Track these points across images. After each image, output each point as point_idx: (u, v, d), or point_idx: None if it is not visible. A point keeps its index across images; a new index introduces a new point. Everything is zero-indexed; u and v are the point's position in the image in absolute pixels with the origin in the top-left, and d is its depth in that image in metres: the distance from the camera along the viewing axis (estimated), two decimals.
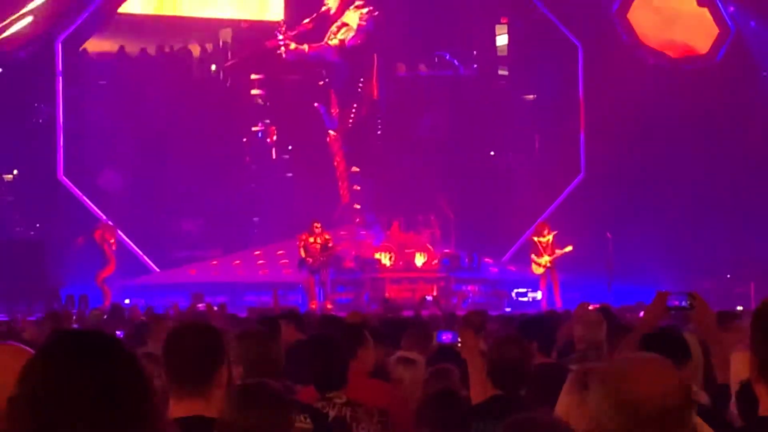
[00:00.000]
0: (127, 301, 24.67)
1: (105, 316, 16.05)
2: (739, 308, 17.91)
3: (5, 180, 28.02)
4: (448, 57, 30.63)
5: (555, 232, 25.06)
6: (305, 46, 29.21)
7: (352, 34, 29.17)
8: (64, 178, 28.40)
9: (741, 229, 27.26)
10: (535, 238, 25.19)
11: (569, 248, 24.79)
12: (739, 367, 4.88)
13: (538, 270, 25.07)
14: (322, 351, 6.11)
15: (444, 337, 7.46)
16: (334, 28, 29.25)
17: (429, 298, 24.25)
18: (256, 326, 7.39)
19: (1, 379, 3.10)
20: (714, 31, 29.28)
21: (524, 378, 6.00)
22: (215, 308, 16.71)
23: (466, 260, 25.91)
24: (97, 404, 2.46)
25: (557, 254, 24.87)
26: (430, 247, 25.81)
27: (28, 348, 3.33)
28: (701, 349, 5.83)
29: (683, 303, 5.42)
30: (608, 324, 8.08)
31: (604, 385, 2.91)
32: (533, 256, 25.12)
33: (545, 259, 24.90)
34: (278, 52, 29.23)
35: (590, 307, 9.83)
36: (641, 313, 14.27)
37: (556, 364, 7.18)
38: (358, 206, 28.62)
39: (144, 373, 2.55)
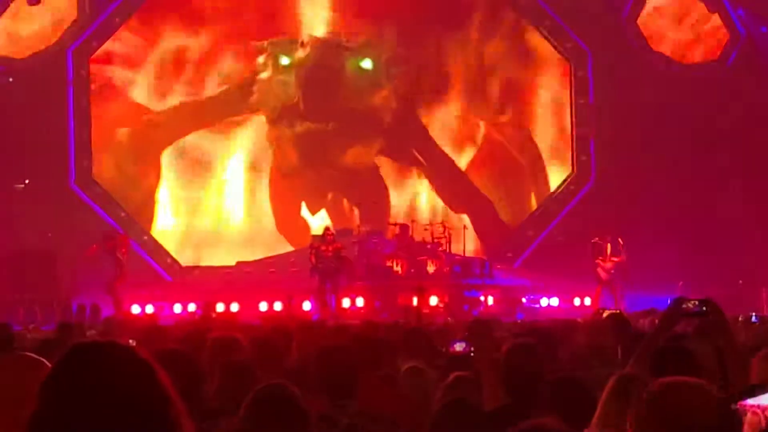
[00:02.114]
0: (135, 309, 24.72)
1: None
2: (752, 314, 17.86)
3: (16, 189, 28.05)
4: None
5: (609, 238, 24.95)
6: None
7: None
8: (75, 186, 28.45)
9: (753, 234, 27.19)
10: (598, 241, 25.05)
11: (621, 258, 24.70)
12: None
13: (604, 275, 24.95)
14: (332, 360, 6.10)
15: (457, 346, 7.46)
16: None
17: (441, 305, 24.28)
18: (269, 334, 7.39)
19: (17, 390, 3.10)
20: (724, 36, 29.24)
21: (538, 386, 5.98)
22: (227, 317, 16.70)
23: (478, 267, 25.86)
24: (118, 414, 2.43)
25: (614, 261, 24.83)
26: (442, 254, 25.78)
27: (43, 360, 3.32)
28: (716, 355, 5.82)
29: (698, 309, 5.43)
30: (622, 331, 8.06)
31: (656, 410, 2.92)
32: (599, 260, 24.96)
33: (609, 264, 24.84)
34: None
35: (605, 314, 9.84)
36: (657, 320, 14.22)
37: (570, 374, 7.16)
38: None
39: (162, 380, 2.52)
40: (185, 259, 29.24)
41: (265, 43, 29.44)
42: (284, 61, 29.44)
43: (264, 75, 29.51)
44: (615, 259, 24.74)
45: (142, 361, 2.52)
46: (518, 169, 30.29)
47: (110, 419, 2.42)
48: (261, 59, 29.48)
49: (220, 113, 29.51)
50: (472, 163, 30.16)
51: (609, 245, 24.86)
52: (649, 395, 3.00)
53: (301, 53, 29.36)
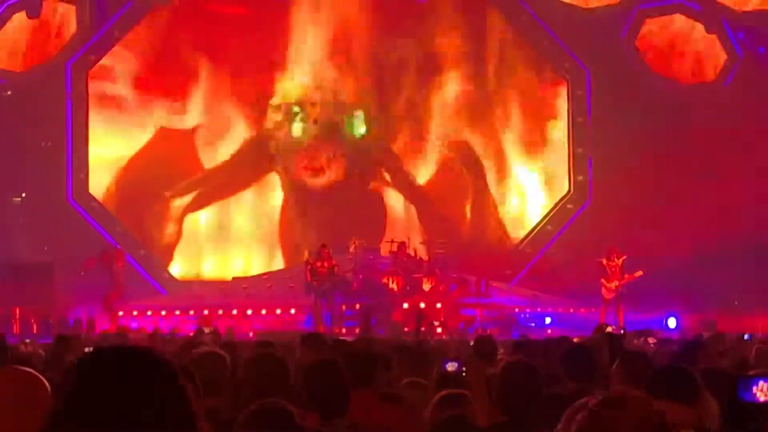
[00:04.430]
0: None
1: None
2: (746, 336, 17.86)
3: (14, 202, 28.03)
4: None
5: (624, 257, 24.90)
6: None
7: None
8: (72, 200, 28.43)
9: (750, 256, 27.19)
10: (604, 261, 25.02)
11: (639, 273, 24.65)
12: None
13: (608, 294, 24.91)
14: (323, 376, 6.09)
15: (449, 366, 7.44)
16: None
17: (436, 323, 24.25)
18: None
19: (9, 403, 3.10)
20: (722, 57, 29.30)
21: (532, 404, 5.97)
22: (222, 332, 16.70)
23: (474, 285, 25.83)
24: (139, 420, 2.39)
25: (627, 279, 24.74)
26: (438, 271, 25.74)
27: (31, 371, 3.32)
28: (702, 378, 5.81)
29: None
30: (614, 350, 8.06)
31: (594, 426, 2.94)
32: (603, 280, 24.93)
33: (614, 284, 24.78)
34: None
35: (608, 330, 9.86)
36: (649, 339, 14.21)
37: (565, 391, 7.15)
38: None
39: (185, 388, 2.48)
40: (181, 273, 29.25)
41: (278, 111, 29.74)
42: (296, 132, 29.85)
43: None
44: (628, 276, 24.69)
45: (166, 366, 2.48)
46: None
47: (130, 424, 2.39)
48: (278, 117, 29.81)
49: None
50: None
51: (621, 261, 24.84)
52: (587, 412, 3.00)
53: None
